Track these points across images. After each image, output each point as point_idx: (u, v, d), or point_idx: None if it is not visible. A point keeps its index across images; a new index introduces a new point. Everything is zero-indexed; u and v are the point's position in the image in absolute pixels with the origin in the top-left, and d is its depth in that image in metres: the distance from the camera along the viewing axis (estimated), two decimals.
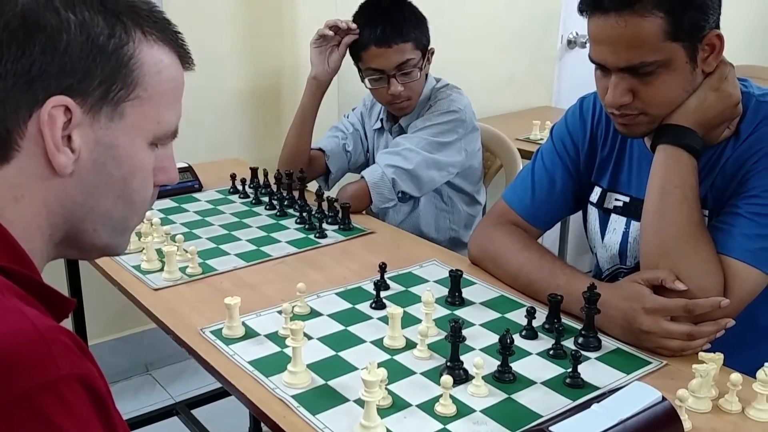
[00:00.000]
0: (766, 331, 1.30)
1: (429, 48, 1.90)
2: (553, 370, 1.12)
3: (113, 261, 1.50)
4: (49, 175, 0.68)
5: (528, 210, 1.47)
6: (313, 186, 1.93)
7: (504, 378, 1.08)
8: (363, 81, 1.91)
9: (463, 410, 1.01)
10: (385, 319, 1.23)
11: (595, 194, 1.44)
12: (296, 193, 1.82)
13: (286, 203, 1.81)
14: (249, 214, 1.80)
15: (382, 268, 1.36)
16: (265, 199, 1.86)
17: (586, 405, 0.92)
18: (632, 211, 1.37)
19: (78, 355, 0.59)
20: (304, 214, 1.73)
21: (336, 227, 1.69)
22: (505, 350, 1.07)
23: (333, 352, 1.16)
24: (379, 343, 1.19)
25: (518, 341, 1.18)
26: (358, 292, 1.37)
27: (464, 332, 1.10)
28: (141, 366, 2.60)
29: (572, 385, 1.07)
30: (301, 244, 1.61)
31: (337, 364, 1.13)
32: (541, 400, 1.04)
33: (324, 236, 1.64)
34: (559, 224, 2.77)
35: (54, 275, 0.66)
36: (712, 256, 1.16)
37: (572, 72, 3.39)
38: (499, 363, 1.09)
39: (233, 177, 1.95)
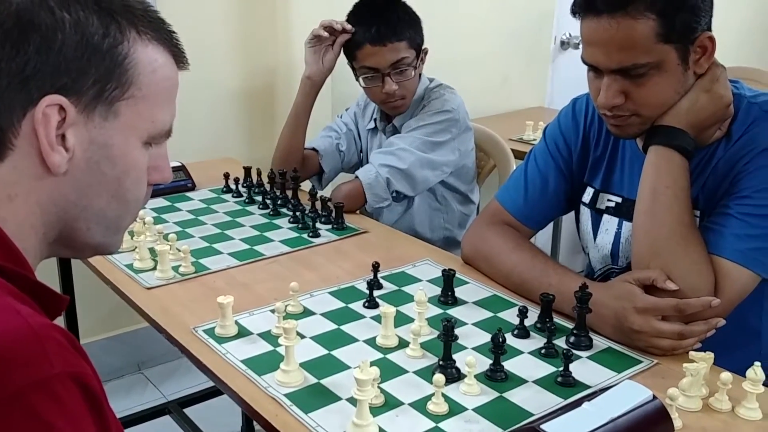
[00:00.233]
0: (756, 330, 1.31)
1: (423, 48, 1.90)
2: (545, 368, 1.12)
3: (106, 260, 1.50)
4: (43, 174, 0.68)
5: (521, 210, 1.47)
6: (306, 185, 1.93)
7: (496, 377, 1.09)
8: (357, 80, 1.91)
9: (455, 409, 1.02)
10: (378, 318, 1.24)
11: (588, 195, 1.45)
12: (289, 193, 1.82)
13: (279, 202, 1.81)
14: (242, 213, 1.80)
15: (375, 267, 1.36)
16: (259, 198, 1.86)
17: (577, 403, 0.93)
18: (624, 211, 1.38)
19: (72, 353, 0.59)
20: (298, 213, 1.73)
21: (329, 227, 1.69)
22: (497, 349, 1.08)
23: (326, 351, 1.17)
24: (371, 342, 1.19)
25: (510, 340, 1.18)
26: (351, 292, 1.37)
27: (457, 331, 1.11)
28: (133, 365, 2.60)
29: (564, 383, 1.08)
30: (295, 243, 1.61)
31: (330, 363, 1.13)
32: (532, 399, 1.04)
33: (317, 236, 1.64)
34: (551, 224, 2.79)
35: (46, 274, 0.66)
36: (703, 256, 1.17)
37: (565, 73, 3.40)
38: (491, 362, 1.10)
39: (226, 176, 1.95)
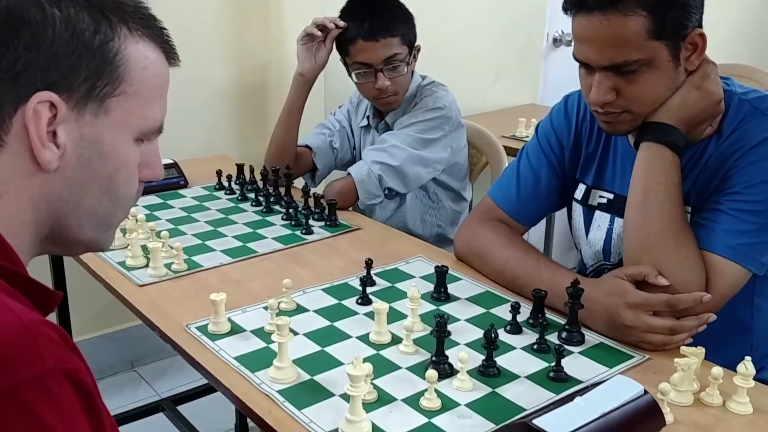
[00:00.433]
0: (747, 325, 1.32)
1: (415, 45, 1.90)
2: (537, 364, 1.13)
3: (98, 257, 1.50)
4: (34, 171, 0.68)
5: (513, 207, 1.48)
6: (299, 183, 1.93)
7: (488, 372, 1.09)
8: (350, 75, 1.91)
9: (447, 404, 1.02)
10: (371, 315, 1.24)
11: (580, 191, 1.46)
12: (282, 190, 1.82)
13: (272, 200, 1.81)
14: (235, 210, 1.80)
15: (368, 264, 1.36)
16: (251, 195, 1.86)
17: (569, 398, 0.94)
18: (616, 208, 1.38)
19: (65, 349, 0.59)
20: (291, 210, 1.73)
21: (322, 224, 1.69)
22: (490, 345, 1.08)
23: (319, 348, 1.17)
24: (364, 339, 1.19)
25: (503, 336, 1.19)
26: (345, 288, 1.37)
27: (449, 327, 1.11)
28: (126, 362, 2.59)
29: (556, 379, 1.08)
30: (288, 240, 1.61)
31: (323, 360, 1.13)
32: (525, 394, 1.05)
33: (310, 233, 1.64)
34: (544, 221, 2.80)
35: (39, 272, 0.66)
36: (694, 252, 1.18)
37: (558, 70, 3.40)
38: (483, 357, 1.10)
39: (219, 173, 1.95)
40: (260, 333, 1.21)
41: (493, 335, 1.07)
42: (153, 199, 1.85)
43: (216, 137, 2.52)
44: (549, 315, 1.24)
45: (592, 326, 1.21)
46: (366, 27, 1.81)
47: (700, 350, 1.08)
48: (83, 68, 0.68)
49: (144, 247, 1.50)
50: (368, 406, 1.00)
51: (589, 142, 1.43)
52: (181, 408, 2.16)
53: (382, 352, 1.16)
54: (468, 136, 2.01)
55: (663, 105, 1.22)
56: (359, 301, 1.32)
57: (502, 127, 2.76)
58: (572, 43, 1.25)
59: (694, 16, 1.19)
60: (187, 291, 1.37)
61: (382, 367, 1.10)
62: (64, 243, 0.76)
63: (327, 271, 1.45)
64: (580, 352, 1.16)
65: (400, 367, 1.12)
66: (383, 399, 1.03)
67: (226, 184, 1.93)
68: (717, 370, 1.02)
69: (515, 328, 1.22)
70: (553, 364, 1.09)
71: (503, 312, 1.27)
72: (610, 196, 1.40)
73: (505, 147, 2.15)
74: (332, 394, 1.04)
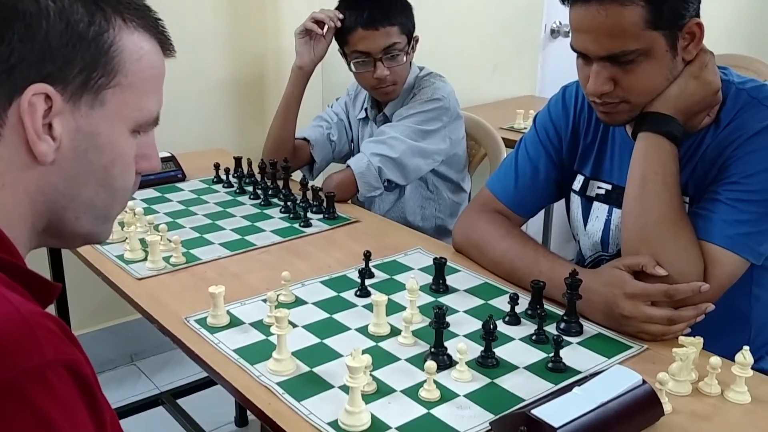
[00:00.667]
0: (745, 315, 1.32)
1: (414, 35, 1.90)
2: (536, 355, 1.13)
3: (96, 251, 1.50)
4: (30, 164, 0.68)
5: (511, 198, 1.48)
6: (297, 175, 1.93)
7: (487, 363, 1.09)
8: (348, 65, 1.91)
9: (446, 395, 1.02)
10: (369, 307, 1.24)
11: (578, 182, 1.45)
12: (280, 183, 1.82)
13: (270, 193, 1.81)
14: (233, 203, 1.80)
15: (367, 256, 1.36)
16: (250, 188, 1.86)
17: (567, 389, 0.94)
18: (614, 198, 1.38)
19: (64, 341, 0.59)
20: (289, 203, 1.72)
21: (321, 216, 1.69)
22: (489, 336, 1.08)
23: (318, 340, 1.17)
24: (363, 331, 1.20)
25: (501, 327, 1.19)
26: (343, 281, 1.37)
27: (448, 319, 1.11)
28: (126, 356, 2.59)
29: (554, 369, 1.08)
30: (286, 233, 1.61)
31: (322, 352, 1.14)
32: (523, 385, 1.05)
33: (309, 225, 1.64)
34: (543, 212, 2.79)
35: (37, 265, 0.66)
36: (692, 241, 1.18)
37: (556, 61, 3.40)
38: (482, 348, 1.10)
39: (217, 166, 1.95)
40: (259, 325, 1.21)
41: (491, 326, 1.08)
42: (151, 193, 1.85)
43: (213, 130, 2.51)
44: (547, 306, 1.24)
45: (590, 317, 1.21)
46: (365, 16, 1.81)
47: (699, 340, 1.08)
48: (78, 60, 0.67)
49: (142, 241, 1.50)
50: (367, 398, 1.00)
51: (587, 132, 1.43)
52: (180, 401, 2.16)
53: (381, 344, 1.16)
54: (466, 128, 2.01)
55: (661, 95, 1.21)
56: (358, 293, 1.32)
57: (500, 118, 2.76)
58: (570, 34, 1.24)
59: (692, 5, 1.18)
60: (186, 284, 1.37)
61: (381, 358, 1.10)
62: (61, 235, 0.75)
63: (326, 264, 1.45)
64: (578, 343, 1.16)
65: (399, 359, 1.12)
66: (382, 390, 1.03)
67: (224, 177, 1.93)
68: (715, 359, 1.02)
69: (514, 319, 1.22)
70: (552, 354, 1.09)
71: (502, 303, 1.28)
72: (608, 186, 1.40)
73: (503, 138, 2.15)
74: (331, 386, 1.04)
